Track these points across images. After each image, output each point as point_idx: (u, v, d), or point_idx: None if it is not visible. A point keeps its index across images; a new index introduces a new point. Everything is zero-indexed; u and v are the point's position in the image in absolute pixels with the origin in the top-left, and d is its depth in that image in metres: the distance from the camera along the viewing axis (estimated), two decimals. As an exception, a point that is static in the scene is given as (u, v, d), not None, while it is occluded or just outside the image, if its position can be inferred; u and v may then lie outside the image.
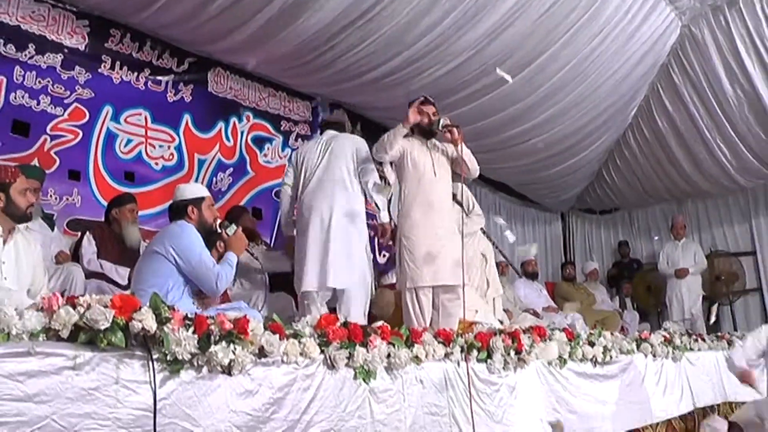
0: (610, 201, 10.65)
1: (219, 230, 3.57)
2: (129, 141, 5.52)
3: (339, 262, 4.32)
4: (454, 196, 5.39)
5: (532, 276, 8.14)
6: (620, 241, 10.63)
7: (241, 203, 6.12)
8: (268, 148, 6.56)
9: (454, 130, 4.41)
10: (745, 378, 4.29)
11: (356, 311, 4.26)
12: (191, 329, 2.29)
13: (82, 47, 5.28)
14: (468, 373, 3.38)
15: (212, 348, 2.31)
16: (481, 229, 5.62)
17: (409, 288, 4.27)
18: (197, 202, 3.52)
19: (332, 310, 4.31)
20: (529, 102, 6.98)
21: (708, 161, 8.66)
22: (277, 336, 2.58)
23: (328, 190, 4.47)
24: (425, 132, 4.54)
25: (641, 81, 7.76)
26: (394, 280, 5.38)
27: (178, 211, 3.51)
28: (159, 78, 5.74)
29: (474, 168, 4.62)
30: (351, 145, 4.69)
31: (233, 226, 3.57)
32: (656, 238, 10.34)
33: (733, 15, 6.94)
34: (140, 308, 2.17)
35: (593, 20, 6.20)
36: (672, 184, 9.47)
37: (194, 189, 3.65)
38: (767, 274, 9.41)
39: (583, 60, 6.65)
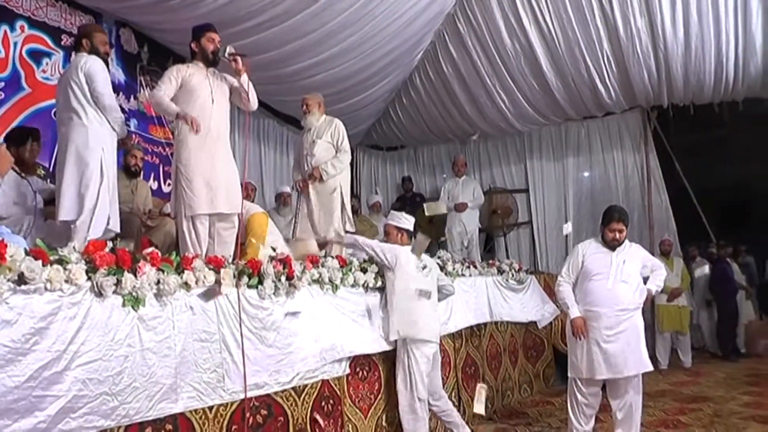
0: (396, 138, 11.16)
1: None
2: None
3: (65, 197, 4.07)
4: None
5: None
6: (404, 176, 11.13)
7: (17, 121, 5.65)
8: (47, 63, 6.05)
9: (239, 59, 4.45)
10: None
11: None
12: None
13: None
14: (239, 298, 3.53)
15: (-40, 274, 2.24)
16: None
17: (186, 216, 4.31)
18: None
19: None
20: (314, 37, 7.10)
21: (488, 106, 9.41)
22: (40, 262, 2.54)
23: (64, 124, 4.22)
24: (207, 60, 4.53)
25: (427, 27, 8.21)
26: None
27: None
28: None
29: (254, 100, 4.69)
30: (76, 69, 4.21)
31: None
32: (444, 175, 11.05)
33: (513, -26, 7.64)
34: None
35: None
36: (455, 124, 10.15)
37: None
38: (537, 209, 10.49)
39: (369, 1, 6.89)
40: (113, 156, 4.31)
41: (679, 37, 7.74)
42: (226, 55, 4.46)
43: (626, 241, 5.04)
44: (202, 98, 4.43)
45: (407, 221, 5.42)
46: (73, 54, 4.47)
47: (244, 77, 4.52)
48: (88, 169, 4.07)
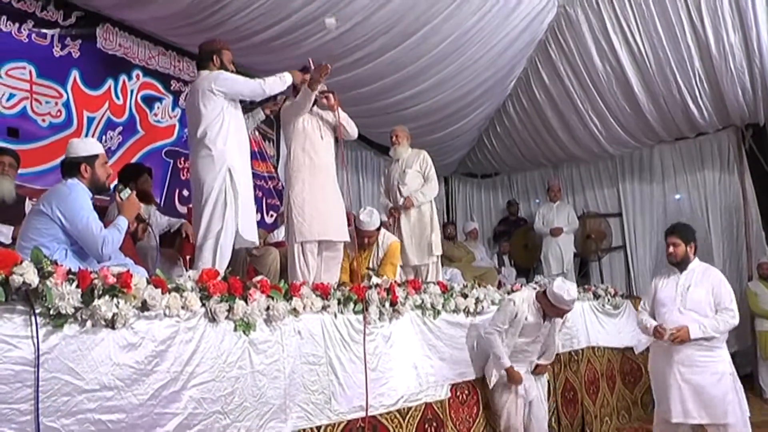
0: (490, 166, 11.06)
1: (112, 192, 3.46)
2: (12, 96, 5.21)
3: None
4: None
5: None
6: (509, 200, 11.03)
7: (133, 161, 5.91)
8: (158, 107, 6.38)
9: (330, 96, 4.58)
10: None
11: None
12: (74, 284, 2.30)
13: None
14: (365, 324, 3.61)
15: (96, 302, 2.33)
16: None
17: (297, 242, 4.41)
18: (91, 159, 3.30)
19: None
20: (412, 70, 7.15)
21: (581, 130, 9.16)
22: (160, 290, 2.62)
23: (191, 152, 4.19)
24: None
25: (519, 55, 8.10)
26: (280, 239, 5.50)
27: (70, 168, 3.28)
28: (44, 31, 5.43)
29: (353, 131, 4.82)
30: (192, 101, 4.18)
31: (127, 191, 3.46)
32: (537, 200, 10.87)
33: (603, -2, 7.44)
34: (21, 262, 2.15)
35: (474, -3, 6.42)
36: (548, 150, 9.94)
37: (88, 145, 3.40)
38: (631, 233, 10.05)
39: (464, 33, 6.86)
40: (246, 166, 4.21)
41: (776, 50, 7.28)
42: (318, 93, 4.53)
43: (695, 261, 4.47)
44: (313, 135, 4.58)
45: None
46: (199, 74, 4.30)
47: (339, 112, 4.66)
48: (211, 197, 3.97)
